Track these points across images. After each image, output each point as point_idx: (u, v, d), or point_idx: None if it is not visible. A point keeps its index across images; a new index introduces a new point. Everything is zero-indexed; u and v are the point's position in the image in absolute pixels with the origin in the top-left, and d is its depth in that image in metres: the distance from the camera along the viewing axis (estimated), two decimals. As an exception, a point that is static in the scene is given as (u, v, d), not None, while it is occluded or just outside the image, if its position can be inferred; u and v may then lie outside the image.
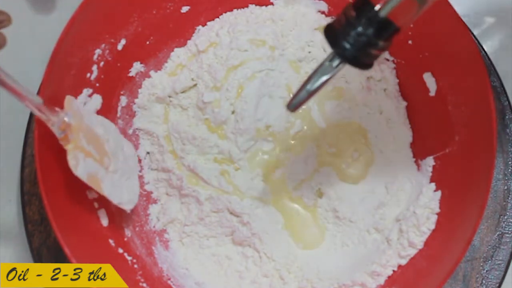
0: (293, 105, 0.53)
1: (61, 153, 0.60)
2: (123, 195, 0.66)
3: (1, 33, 0.54)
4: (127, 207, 0.66)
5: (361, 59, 0.50)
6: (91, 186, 0.62)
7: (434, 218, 0.66)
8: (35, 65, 0.72)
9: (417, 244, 0.66)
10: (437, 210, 0.66)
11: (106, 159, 0.64)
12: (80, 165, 0.60)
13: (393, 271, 0.68)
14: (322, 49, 0.75)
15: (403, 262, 0.67)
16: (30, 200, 0.71)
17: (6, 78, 0.54)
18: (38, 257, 0.70)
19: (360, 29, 0.48)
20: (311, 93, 0.52)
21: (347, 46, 0.49)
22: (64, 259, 0.58)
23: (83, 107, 0.65)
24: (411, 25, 0.69)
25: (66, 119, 0.59)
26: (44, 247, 0.70)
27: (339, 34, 0.49)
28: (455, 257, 0.58)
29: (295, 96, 0.52)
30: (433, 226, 0.66)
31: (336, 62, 0.50)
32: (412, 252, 0.66)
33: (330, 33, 0.50)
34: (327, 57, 0.51)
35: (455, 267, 0.58)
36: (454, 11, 0.62)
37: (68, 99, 0.61)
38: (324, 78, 0.51)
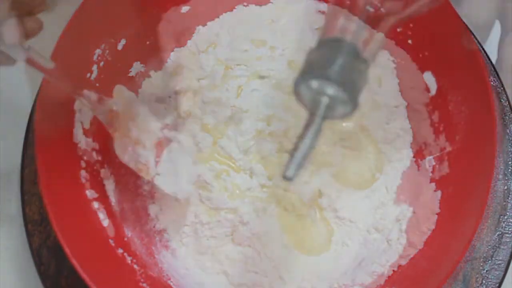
0: (293, 174, 0.51)
1: (62, 153, 0.60)
2: (175, 185, 0.67)
3: (37, 18, 0.54)
4: (180, 196, 0.67)
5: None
6: (140, 175, 0.62)
7: (434, 218, 0.66)
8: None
9: (417, 244, 0.66)
10: (437, 210, 0.66)
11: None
12: (128, 154, 0.60)
13: (393, 271, 0.68)
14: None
15: (403, 262, 0.67)
16: (30, 200, 0.71)
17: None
18: (38, 257, 0.70)
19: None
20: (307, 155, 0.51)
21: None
22: (64, 259, 0.58)
23: (137, 97, 0.65)
24: (411, 25, 0.69)
25: (114, 107, 0.60)
26: (44, 247, 0.70)
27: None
28: (455, 257, 0.58)
29: (292, 163, 0.50)
30: (433, 226, 0.66)
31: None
32: (412, 252, 0.66)
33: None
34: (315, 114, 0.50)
35: (455, 267, 0.58)
36: (454, 10, 0.62)
37: (118, 88, 0.61)
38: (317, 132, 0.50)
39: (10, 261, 0.73)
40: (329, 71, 0.49)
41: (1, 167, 0.75)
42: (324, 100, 0.50)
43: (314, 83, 0.50)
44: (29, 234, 0.70)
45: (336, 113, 0.52)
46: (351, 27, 0.51)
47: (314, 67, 0.50)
